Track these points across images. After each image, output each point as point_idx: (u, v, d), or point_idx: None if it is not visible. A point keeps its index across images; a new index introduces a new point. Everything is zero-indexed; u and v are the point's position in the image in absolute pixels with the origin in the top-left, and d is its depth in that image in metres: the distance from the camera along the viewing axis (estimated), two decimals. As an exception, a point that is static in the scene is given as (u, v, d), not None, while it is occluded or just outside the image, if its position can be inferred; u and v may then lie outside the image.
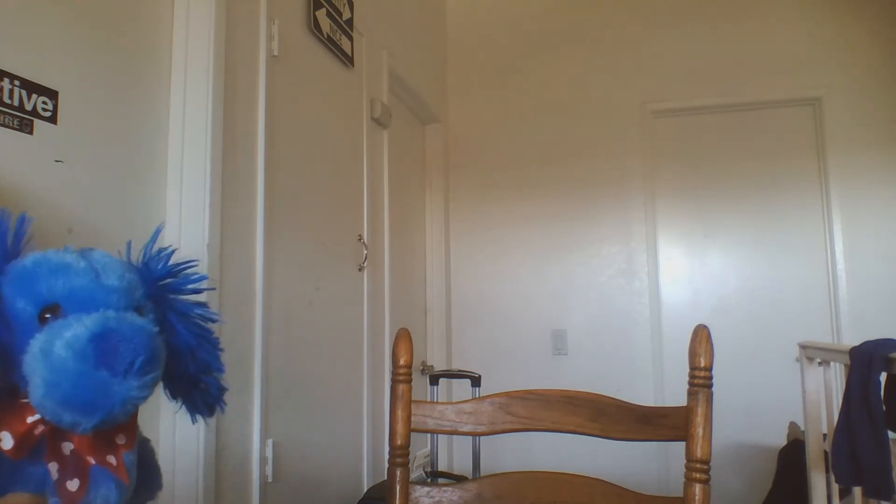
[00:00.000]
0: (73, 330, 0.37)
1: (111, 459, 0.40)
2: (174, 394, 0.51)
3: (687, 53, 3.22)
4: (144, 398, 0.40)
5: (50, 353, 0.36)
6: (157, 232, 0.49)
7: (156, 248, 0.48)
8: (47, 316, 0.39)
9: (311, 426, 1.85)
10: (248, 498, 1.52)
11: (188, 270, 0.50)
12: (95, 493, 0.40)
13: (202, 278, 0.50)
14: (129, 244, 0.49)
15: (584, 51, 3.34)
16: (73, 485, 0.39)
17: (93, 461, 0.39)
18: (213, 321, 0.52)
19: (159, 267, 0.48)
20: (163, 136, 1.40)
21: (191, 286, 0.49)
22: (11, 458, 0.39)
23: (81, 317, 0.38)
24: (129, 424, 0.42)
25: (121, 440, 0.41)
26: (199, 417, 0.54)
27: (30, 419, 0.39)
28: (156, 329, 0.42)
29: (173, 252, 0.49)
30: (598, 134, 3.27)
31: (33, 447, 0.39)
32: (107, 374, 0.37)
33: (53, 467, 0.39)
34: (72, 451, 0.39)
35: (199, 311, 0.50)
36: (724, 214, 3.14)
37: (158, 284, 0.48)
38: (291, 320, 1.77)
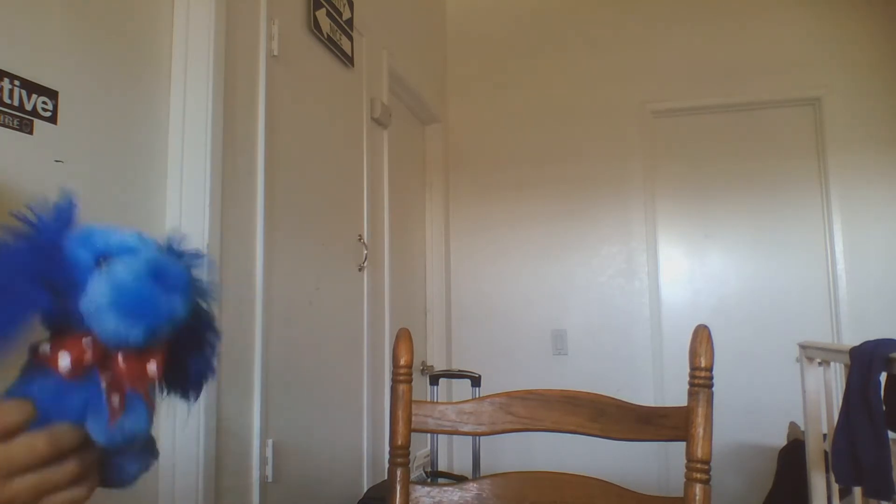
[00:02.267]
0: (131, 258, 0.47)
1: (142, 387, 0.48)
2: (171, 363, 0.57)
3: (687, 53, 3.22)
4: (183, 317, 0.49)
5: (113, 272, 0.46)
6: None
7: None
8: (102, 262, 0.48)
9: (311, 426, 1.85)
10: (248, 498, 1.52)
11: (200, 258, 0.58)
12: (128, 414, 0.48)
13: (207, 260, 0.59)
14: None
15: (584, 51, 3.34)
16: (115, 400, 0.47)
17: (128, 385, 0.47)
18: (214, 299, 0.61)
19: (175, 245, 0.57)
20: (163, 136, 1.40)
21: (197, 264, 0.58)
22: (66, 378, 0.46)
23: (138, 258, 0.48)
24: (160, 351, 0.49)
25: (151, 368, 0.48)
26: (189, 398, 0.60)
27: (83, 341, 0.47)
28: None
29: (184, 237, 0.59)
30: (598, 134, 3.27)
31: (83, 371, 0.47)
32: (159, 288, 0.47)
33: (105, 378, 0.47)
34: (112, 376, 0.48)
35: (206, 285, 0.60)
36: (724, 214, 3.14)
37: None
38: (291, 320, 1.77)
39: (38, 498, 0.44)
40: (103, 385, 0.47)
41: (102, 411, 0.47)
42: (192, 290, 0.51)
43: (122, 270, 0.46)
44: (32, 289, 0.45)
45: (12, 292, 0.44)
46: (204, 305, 0.57)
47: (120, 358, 0.47)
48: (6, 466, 0.43)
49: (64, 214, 0.49)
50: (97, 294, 0.45)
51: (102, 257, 0.47)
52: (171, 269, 0.48)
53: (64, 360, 0.46)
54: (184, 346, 0.55)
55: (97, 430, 0.47)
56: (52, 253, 0.47)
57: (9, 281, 0.44)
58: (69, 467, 0.46)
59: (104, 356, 0.47)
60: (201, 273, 0.57)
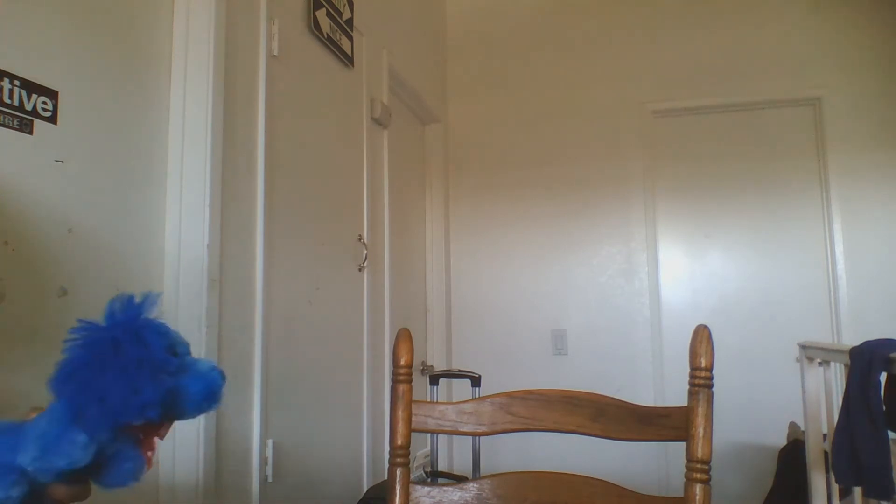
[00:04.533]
0: (206, 364, 0.61)
1: (151, 447, 0.60)
2: None
3: (687, 53, 3.22)
4: None
5: (203, 373, 0.60)
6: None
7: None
8: (174, 354, 0.61)
9: (311, 426, 1.85)
10: (248, 498, 1.52)
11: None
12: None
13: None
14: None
15: (584, 51, 3.34)
16: (150, 455, 0.59)
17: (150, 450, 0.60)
18: None
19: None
20: (163, 136, 1.40)
21: None
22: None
23: (199, 359, 0.62)
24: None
25: (164, 430, 0.59)
26: None
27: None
28: None
29: None
30: (598, 134, 3.27)
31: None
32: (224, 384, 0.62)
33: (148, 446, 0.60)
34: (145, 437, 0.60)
35: None
36: (724, 214, 3.14)
37: None
38: (291, 320, 1.77)
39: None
40: (148, 453, 0.60)
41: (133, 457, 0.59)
42: None
43: (209, 373, 0.60)
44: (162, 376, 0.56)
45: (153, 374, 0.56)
46: None
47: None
48: None
49: (145, 307, 0.61)
50: (191, 387, 0.59)
51: (173, 350, 0.60)
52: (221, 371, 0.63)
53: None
54: None
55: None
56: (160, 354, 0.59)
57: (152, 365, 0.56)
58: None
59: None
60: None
